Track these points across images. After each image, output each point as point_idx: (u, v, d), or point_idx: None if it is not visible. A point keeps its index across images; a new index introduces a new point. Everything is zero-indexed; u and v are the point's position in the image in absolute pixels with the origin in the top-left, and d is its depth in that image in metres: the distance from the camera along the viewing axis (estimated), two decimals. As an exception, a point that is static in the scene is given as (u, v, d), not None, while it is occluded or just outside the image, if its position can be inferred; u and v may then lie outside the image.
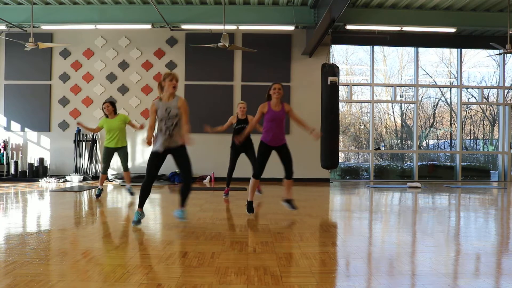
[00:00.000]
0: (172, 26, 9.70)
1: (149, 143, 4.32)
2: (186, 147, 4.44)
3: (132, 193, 6.71)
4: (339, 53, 11.80)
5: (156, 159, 4.36)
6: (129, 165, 7.46)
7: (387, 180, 10.98)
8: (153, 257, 3.23)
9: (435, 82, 12.13)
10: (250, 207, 5.16)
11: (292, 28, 9.48)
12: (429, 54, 11.74)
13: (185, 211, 4.44)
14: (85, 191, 7.65)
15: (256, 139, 6.82)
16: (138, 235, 4.09)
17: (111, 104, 6.47)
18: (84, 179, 9.54)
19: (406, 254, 3.49)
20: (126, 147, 6.62)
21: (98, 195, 6.58)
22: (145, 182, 4.36)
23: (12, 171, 9.86)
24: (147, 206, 6.00)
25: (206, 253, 3.35)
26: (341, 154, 11.54)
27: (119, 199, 6.81)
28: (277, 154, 5.14)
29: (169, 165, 9.93)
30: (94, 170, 10.07)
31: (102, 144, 10.19)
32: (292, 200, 5.25)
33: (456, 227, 4.80)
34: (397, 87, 11.04)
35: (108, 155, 6.53)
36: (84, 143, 10.09)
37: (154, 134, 4.40)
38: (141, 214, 4.42)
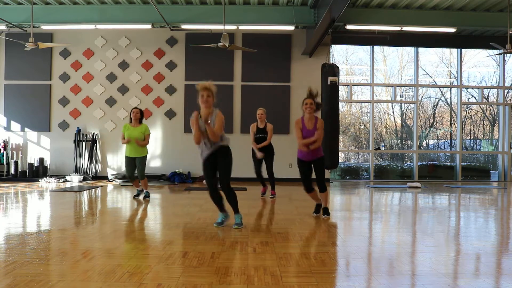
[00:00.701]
0: (172, 26, 9.70)
1: None
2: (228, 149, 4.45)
3: (147, 197, 6.65)
4: (339, 53, 11.80)
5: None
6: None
7: (387, 180, 10.98)
8: (153, 257, 3.23)
9: (435, 82, 12.13)
10: (316, 209, 5.27)
11: (292, 28, 9.48)
12: (429, 54, 11.74)
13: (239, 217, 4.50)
14: (85, 191, 7.65)
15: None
16: (138, 235, 4.10)
17: (140, 112, 6.48)
18: (84, 179, 9.53)
19: (406, 254, 3.49)
20: (145, 157, 6.52)
21: (136, 196, 6.67)
22: (209, 193, 4.43)
23: (12, 171, 9.86)
24: (147, 206, 6.01)
25: (206, 253, 3.35)
26: (341, 154, 11.53)
27: (119, 199, 6.81)
28: (313, 167, 5.08)
29: (169, 165, 10.01)
30: (94, 170, 10.07)
31: (102, 144, 10.20)
32: (326, 207, 5.19)
33: (456, 227, 4.80)
34: (397, 87, 11.04)
35: (129, 164, 6.46)
36: (84, 143, 10.09)
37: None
38: (225, 217, 4.51)
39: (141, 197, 6.71)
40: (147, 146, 6.60)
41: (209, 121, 4.24)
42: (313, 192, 5.11)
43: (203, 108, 4.33)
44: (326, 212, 5.14)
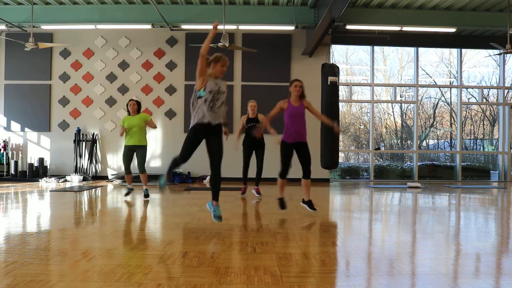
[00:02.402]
0: (172, 26, 9.70)
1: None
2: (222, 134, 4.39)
3: (147, 196, 6.50)
4: (339, 53, 11.80)
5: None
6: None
7: (387, 180, 10.98)
8: (153, 257, 3.23)
9: (435, 82, 12.13)
10: (281, 204, 5.24)
11: (292, 28, 9.48)
12: (429, 54, 11.74)
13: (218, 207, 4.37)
14: (85, 191, 7.65)
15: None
16: (138, 235, 4.09)
17: (137, 103, 6.43)
18: (84, 179, 9.54)
19: (406, 254, 3.49)
20: (145, 147, 6.40)
21: (126, 194, 6.48)
22: (182, 160, 4.37)
23: (12, 171, 9.86)
24: (147, 206, 6.00)
25: (206, 253, 3.35)
26: (341, 154, 11.54)
27: (119, 199, 6.81)
28: (296, 152, 5.17)
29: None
30: (94, 170, 10.08)
31: (102, 144, 10.21)
32: (310, 201, 5.28)
33: (456, 227, 4.80)
34: (397, 87, 11.05)
35: (126, 153, 6.32)
36: (84, 143, 10.09)
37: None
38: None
39: (127, 197, 6.55)
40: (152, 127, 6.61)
41: (221, 88, 4.26)
42: (285, 180, 5.21)
43: (218, 74, 4.29)
44: (311, 205, 5.22)
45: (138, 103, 6.47)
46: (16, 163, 9.79)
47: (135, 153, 6.38)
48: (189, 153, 4.28)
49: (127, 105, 6.45)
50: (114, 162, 10.14)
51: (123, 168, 6.72)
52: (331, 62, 9.31)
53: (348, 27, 9.44)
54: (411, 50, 11.36)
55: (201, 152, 4.46)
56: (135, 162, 6.46)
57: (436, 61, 12.06)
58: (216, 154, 4.25)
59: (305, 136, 5.17)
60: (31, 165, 9.71)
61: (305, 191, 5.27)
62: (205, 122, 4.18)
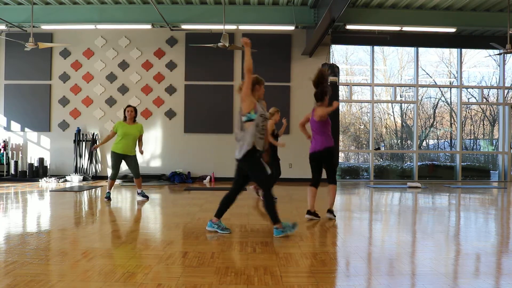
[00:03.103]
0: (172, 26, 9.70)
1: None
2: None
3: (145, 196, 6.57)
4: (339, 53, 11.80)
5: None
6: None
7: (387, 180, 10.98)
8: (153, 257, 3.23)
9: (435, 82, 12.13)
10: (308, 213, 4.97)
11: (292, 28, 9.48)
12: (429, 54, 11.74)
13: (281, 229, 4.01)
14: (85, 191, 7.65)
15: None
16: (138, 235, 4.09)
17: (135, 110, 6.44)
18: (84, 179, 9.54)
19: (406, 254, 3.49)
20: (135, 156, 6.42)
21: (107, 198, 6.44)
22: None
23: (12, 171, 9.86)
24: (147, 206, 6.01)
25: (206, 253, 3.35)
26: (341, 154, 11.54)
27: (119, 199, 6.81)
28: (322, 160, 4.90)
29: (169, 165, 10.00)
30: (94, 170, 10.08)
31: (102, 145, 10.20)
32: (331, 209, 5.05)
33: (456, 227, 4.80)
34: (397, 87, 11.05)
35: (117, 160, 6.32)
36: (84, 143, 10.09)
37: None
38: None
39: (106, 200, 6.51)
40: (138, 144, 6.54)
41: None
42: (315, 190, 4.91)
43: (261, 96, 4.08)
44: (331, 212, 5.01)
45: (136, 110, 6.48)
46: (16, 163, 9.79)
47: (123, 161, 6.36)
48: (271, 174, 4.06)
49: (124, 111, 6.42)
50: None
51: (123, 168, 6.69)
52: (331, 62, 9.32)
53: (348, 27, 9.44)
54: (411, 50, 11.36)
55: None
56: (122, 168, 6.45)
57: (436, 61, 12.06)
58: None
59: (325, 144, 4.81)
60: (31, 165, 9.71)
61: (330, 197, 5.03)
62: (260, 150, 3.98)
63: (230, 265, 3.02)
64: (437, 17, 9.39)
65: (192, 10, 9.35)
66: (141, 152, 6.45)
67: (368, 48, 10.97)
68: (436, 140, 12.93)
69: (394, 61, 12.36)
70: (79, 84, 10.16)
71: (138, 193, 6.59)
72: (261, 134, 3.97)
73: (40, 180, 9.40)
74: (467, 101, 11.81)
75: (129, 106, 6.46)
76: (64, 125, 10.16)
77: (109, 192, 6.46)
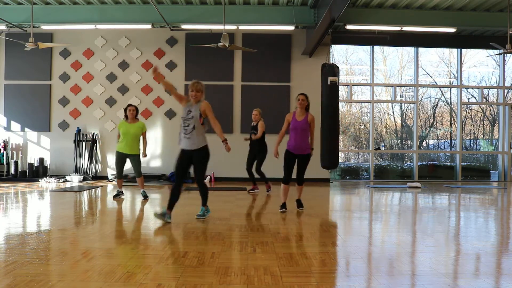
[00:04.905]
0: (172, 26, 9.70)
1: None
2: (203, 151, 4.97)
3: (146, 197, 6.64)
4: (339, 53, 11.80)
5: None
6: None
7: (387, 180, 10.98)
8: (153, 257, 3.23)
9: (435, 82, 12.13)
10: (282, 206, 5.54)
11: (292, 28, 9.48)
12: (429, 54, 11.74)
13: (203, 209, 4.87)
14: (85, 191, 7.65)
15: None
16: (138, 235, 4.10)
17: (136, 109, 6.48)
18: (84, 179, 9.53)
19: (406, 254, 3.49)
20: (137, 155, 6.50)
21: (116, 196, 6.59)
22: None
23: (12, 171, 9.86)
24: (147, 207, 6.01)
25: (206, 253, 3.35)
26: (341, 154, 11.53)
27: (119, 199, 6.80)
28: (297, 161, 5.47)
29: (169, 165, 9.99)
30: (94, 170, 10.07)
31: (102, 144, 10.20)
32: (299, 199, 5.79)
33: (456, 227, 4.80)
34: (397, 87, 11.04)
35: (120, 160, 6.46)
36: (84, 143, 10.09)
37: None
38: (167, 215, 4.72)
39: (117, 198, 6.62)
40: (142, 143, 6.64)
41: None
42: (287, 186, 5.49)
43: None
44: (300, 204, 5.70)
45: (137, 109, 6.52)
46: (16, 163, 9.79)
47: (127, 159, 6.49)
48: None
49: (125, 110, 6.48)
50: (114, 162, 10.12)
51: (136, 175, 6.75)
52: (331, 62, 9.30)
53: (348, 27, 9.43)
54: (411, 50, 11.36)
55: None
56: (127, 166, 6.66)
57: (436, 61, 12.06)
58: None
59: (306, 149, 5.41)
60: (31, 165, 9.71)
61: (298, 192, 5.82)
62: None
63: (230, 265, 3.02)
64: (437, 17, 9.39)
65: (192, 10, 9.35)
66: (144, 155, 6.55)
67: (368, 48, 10.97)
68: (436, 140, 12.93)
69: (394, 61, 12.36)
70: (79, 84, 10.15)
71: (142, 194, 6.69)
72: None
73: (40, 180, 9.39)
74: (467, 101, 11.81)
75: (130, 105, 6.53)
76: (64, 125, 10.16)
77: (119, 190, 6.65)
